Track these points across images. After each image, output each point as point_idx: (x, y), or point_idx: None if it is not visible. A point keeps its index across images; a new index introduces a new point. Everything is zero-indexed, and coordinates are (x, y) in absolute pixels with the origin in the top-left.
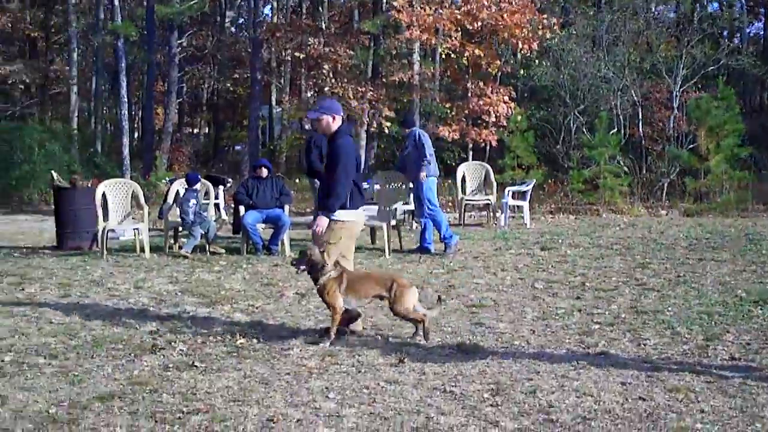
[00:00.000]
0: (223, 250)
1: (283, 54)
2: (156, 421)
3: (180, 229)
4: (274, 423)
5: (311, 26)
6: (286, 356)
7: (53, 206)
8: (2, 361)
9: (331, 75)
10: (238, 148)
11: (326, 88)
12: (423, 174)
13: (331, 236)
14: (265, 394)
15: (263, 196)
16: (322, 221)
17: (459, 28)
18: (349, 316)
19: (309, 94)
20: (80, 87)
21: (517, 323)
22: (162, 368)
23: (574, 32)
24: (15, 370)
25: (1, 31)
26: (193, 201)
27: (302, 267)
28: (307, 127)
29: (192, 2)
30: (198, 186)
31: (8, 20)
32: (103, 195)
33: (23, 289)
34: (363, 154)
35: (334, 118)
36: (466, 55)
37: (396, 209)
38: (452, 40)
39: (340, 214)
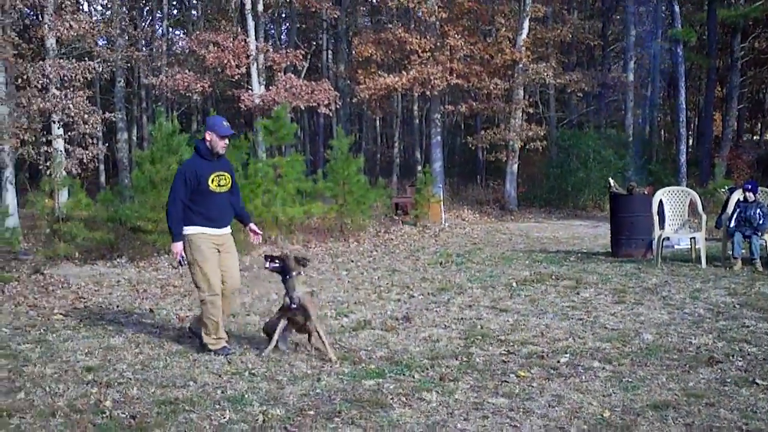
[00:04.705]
0: (762, 268)
1: None
2: None
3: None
4: None
5: None
6: None
7: (609, 212)
8: (558, 362)
9: None
10: None
11: None
12: None
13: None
14: None
15: None
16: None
17: None
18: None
19: None
20: (635, 94)
21: None
22: (719, 382)
23: None
24: (570, 371)
25: (562, 42)
26: (756, 211)
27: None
28: None
29: (757, 3)
30: (758, 195)
31: (569, 31)
32: (660, 202)
33: (578, 293)
34: None
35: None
36: None
37: None
38: None
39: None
